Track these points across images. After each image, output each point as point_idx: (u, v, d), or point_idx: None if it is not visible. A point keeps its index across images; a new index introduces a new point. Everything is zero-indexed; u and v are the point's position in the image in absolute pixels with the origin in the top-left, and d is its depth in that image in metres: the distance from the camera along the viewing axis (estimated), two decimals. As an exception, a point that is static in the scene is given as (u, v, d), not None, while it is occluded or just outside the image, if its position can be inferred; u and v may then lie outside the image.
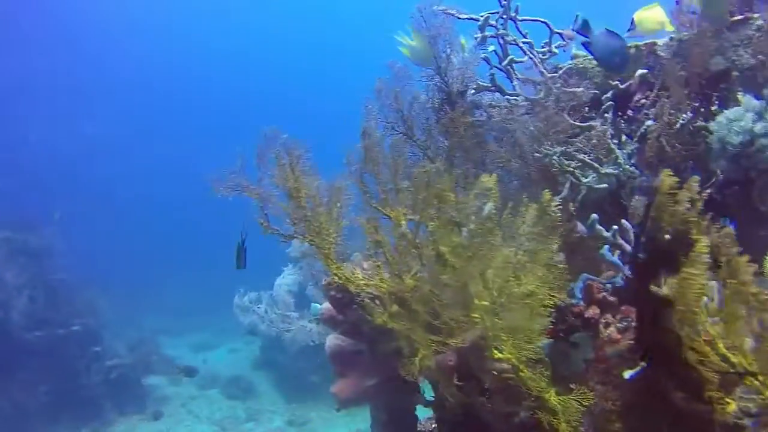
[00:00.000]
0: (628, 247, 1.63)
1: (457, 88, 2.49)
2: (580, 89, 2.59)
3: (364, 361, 2.50)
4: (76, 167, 23.78)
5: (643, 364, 1.69)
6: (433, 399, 2.28)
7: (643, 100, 2.44)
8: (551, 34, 2.69)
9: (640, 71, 2.45)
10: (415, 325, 1.95)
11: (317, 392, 9.87)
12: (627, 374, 1.68)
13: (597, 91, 2.58)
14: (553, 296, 1.50)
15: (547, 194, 1.54)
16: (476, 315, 1.56)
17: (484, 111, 2.59)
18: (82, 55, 26.53)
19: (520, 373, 1.75)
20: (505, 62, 2.41)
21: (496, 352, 1.59)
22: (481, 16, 2.41)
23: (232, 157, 1.84)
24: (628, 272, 1.85)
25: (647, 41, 2.46)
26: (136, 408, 7.88)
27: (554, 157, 2.41)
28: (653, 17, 2.34)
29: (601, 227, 1.65)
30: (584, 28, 2.15)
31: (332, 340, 2.63)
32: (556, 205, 1.53)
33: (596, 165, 2.47)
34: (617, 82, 2.51)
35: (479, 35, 2.44)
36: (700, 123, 2.17)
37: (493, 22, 2.42)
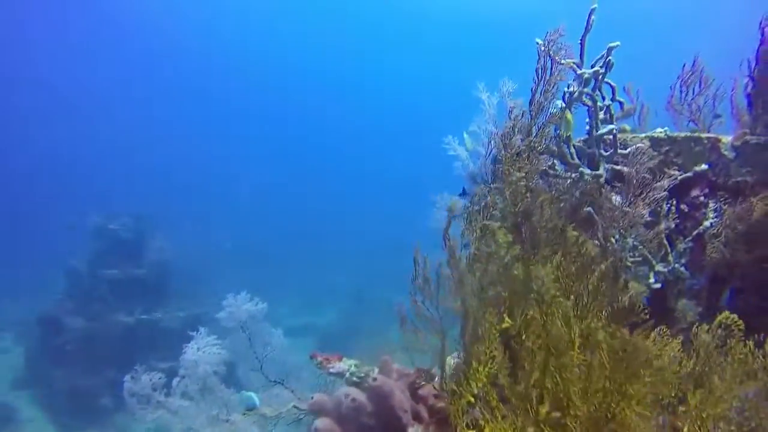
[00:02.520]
0: None
1: (538, 145, 2.01)
2: (627, 169, 2.35)
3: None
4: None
5: None
6: None
7: (702, 198, 2.28)
8: (612, 98, 2.40)
9: (702, 166, 2.30)
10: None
11: (106, 417, 8.07)
12: None
13: (647, 176, 2.36)
14: None
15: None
16: None
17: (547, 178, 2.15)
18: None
19: None
20: (604, 132, 2.02)
21: None
22: (586, 73, 1.97)
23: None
24: None
25: (710, 135, 2.32)
26: None
27: (627, 252, 2.10)
28: None
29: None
30: None
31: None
32: None
33: (654, 261, 2.24)
34: (675, 172, 2.32)
35: (575, 89, 2.00)
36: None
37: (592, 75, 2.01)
